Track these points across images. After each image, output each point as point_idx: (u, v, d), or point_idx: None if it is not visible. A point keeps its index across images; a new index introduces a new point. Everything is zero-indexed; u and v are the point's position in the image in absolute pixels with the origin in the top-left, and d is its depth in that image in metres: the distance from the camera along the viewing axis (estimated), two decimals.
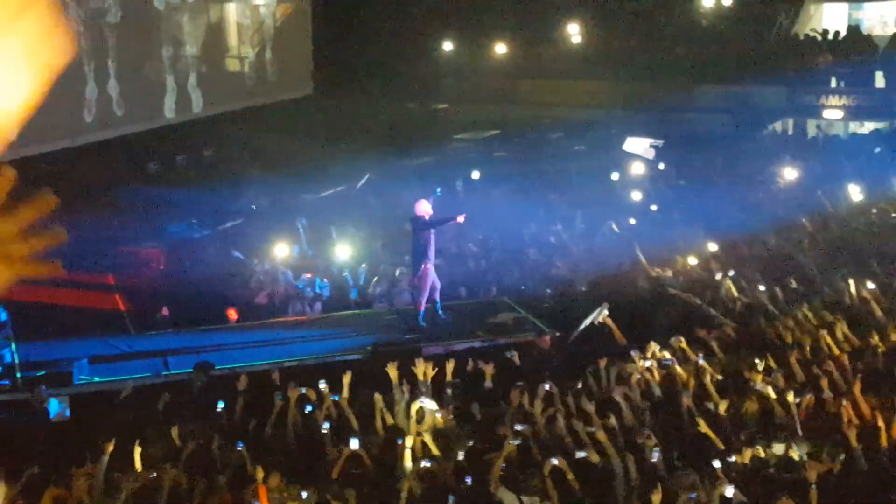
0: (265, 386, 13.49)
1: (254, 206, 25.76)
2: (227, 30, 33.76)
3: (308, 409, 12.52)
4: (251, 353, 16.18)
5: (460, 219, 17.07)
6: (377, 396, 12.46)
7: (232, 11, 33.43)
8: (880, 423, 11.15)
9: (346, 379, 12.98)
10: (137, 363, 15.68)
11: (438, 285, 17.38)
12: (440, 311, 17.48)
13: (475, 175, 27.43)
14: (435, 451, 11.15)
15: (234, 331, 17.55)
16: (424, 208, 16.98)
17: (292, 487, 10.39)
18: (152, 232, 23.30)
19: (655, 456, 10.44)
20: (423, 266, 17.01)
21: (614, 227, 21.57)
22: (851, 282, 16.27)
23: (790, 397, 11.86)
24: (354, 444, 11.17)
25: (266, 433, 12.20)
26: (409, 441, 11.09)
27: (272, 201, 25.84)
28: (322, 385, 12.86)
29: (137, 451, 11.03)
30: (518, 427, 11.21)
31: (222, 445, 11.46)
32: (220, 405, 12.80)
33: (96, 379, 15.13)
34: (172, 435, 11.81)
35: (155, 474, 10.61)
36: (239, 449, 11.33)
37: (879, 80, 35.50)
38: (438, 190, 18.07)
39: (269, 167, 28.46)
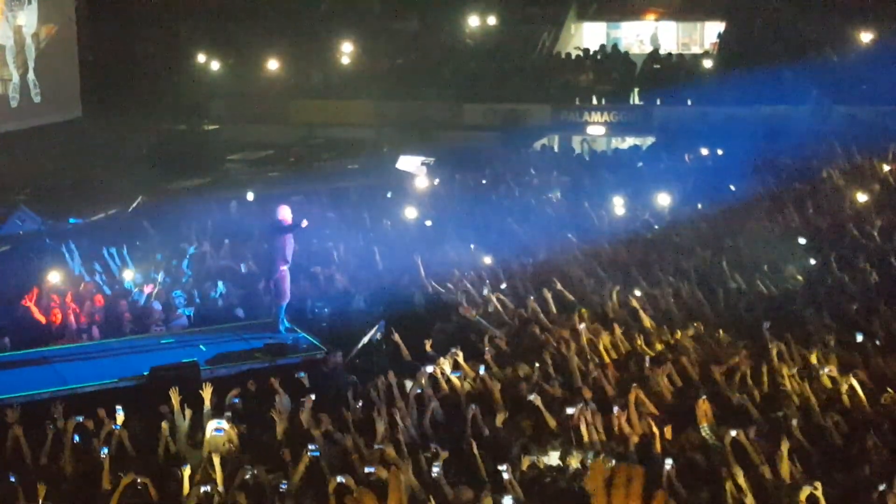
0: (38, 416, 13.17)
1: (21, 232, 24.98)
2: None
3: (78, 438, 12.30)
4: (22, 381, 15.72)
5: (304, 223, 17.58)
6: (164, 424, 12.37)
7: None
8: (654, 429, 11.68)
9: (120, 416, 12.79)
10: None
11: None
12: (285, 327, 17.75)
13: (250, 196, 27.33)
14: (217, 476, 11.12)
15: (5, 357, 17.03)
16: (285, 214, 17.43)
17: None
18: None
19: (436, 470, 10.65)
20: (281, 269, 17.33)
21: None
22: (615, 292, 16.99)
23: (559, 406, 12.34)
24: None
25: (40, 464, 11.93)
26: (187, 469, 11.01)
27: (40, 226, 25.11)
28: (100, 412, 12.68)
29: None
30: (311, 447, 11.27)
31: None
32: None
33: None
34: None
35: None
36: (11, 482, 11.07)
37: (637, 97, 37.15)
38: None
39: (38, 192, 27.68)
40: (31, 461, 12.02)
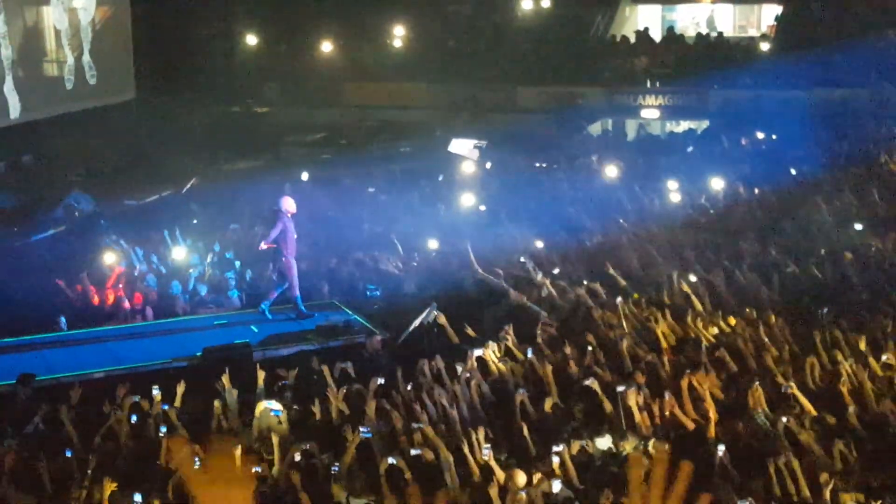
0: (95, 395, 13.32)
1: (76, 213, 25.22)
2: (44, 33, 32.94)
3: (136, 417, 12.42)
4: (80, 361, 15.91)
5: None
6: (216, 404, 12.46)
7: (48, 15, 32.61)
8: (708, 415, 11.57)
9: (180, 389, 13.01)
10: None
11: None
12: (268, 312, 17.72)
13: (304, 176, 27.43)
14: (275, 456, 11.16)
15: (62, 339, 17.22)
16: (290, 205, 17.48)
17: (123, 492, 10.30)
18: None
19: (486, 453, 10.64)
20: (284, 258, 17.43)
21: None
22: (673, 276, 16.83)
23: (612, 391, 12.26)
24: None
25: (96, 442, 12.04)
26: (238, 449, 11.03)
27: (95, 208, 25.34)
28: (155, 392, 12.80)
29: None
30: (362, 429, 11.28)
31: (51, 457, 11.28)
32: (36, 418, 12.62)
33: None
34: None
35: None
36: (68, 457, 11.19)
37: (692, 81, 36.78)
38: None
39: (92, 173, 27.91)
40: (87, 439, 12.12)
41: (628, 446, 11.19)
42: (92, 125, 31.93)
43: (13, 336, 17.15)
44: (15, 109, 30.01)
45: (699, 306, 15.65)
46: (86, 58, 33.03)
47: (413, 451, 10.77)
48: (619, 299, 15.73)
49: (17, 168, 29.99)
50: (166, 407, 12.59)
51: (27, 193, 26.07)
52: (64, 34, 32.52)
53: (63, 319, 17.74)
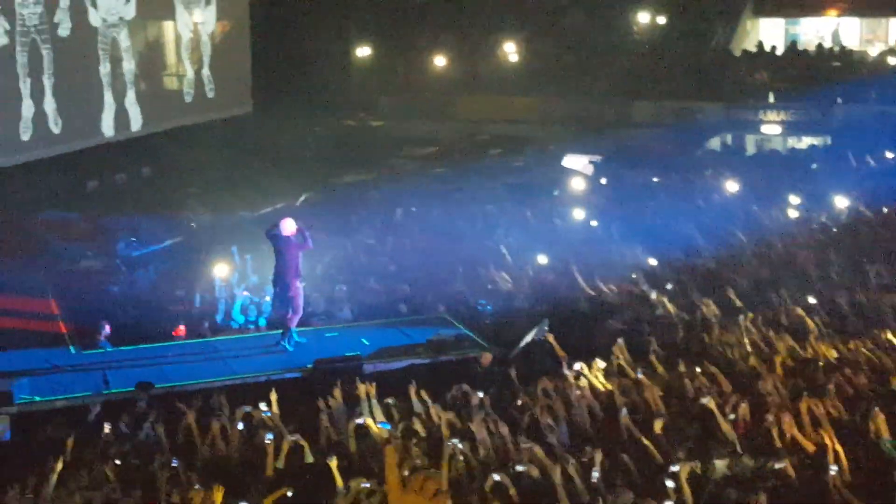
0: (206, 404, 13.44)
1: (193, 224, 25.57)
2: (165, 47, 33.55)
3: (242, 426, 12.45)
4: (192, 371, 16.08)
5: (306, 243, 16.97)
6: (323, 416, 12.44)
7: (170, 29, 33.22)
8: (828, 440, 11.16)
9: (273, 397, 13.06)
10: (77, 381, 15.52)
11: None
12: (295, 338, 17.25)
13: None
14: (390, 470, 11.03)
15: (177, 348, 17.42)
16: (290, 227, 16.83)
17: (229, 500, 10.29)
18: (93, 250, 23.11)
19: (595, 473, 10.41)
20: (295, 284, 16.82)
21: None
22: (789, 297, 16.41)
23: (727, 411, 11.92)
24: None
25: (204, 450, 12.10)
26: (334, 461, 10.96)
27: (211, 219, 25.68)
28: (264, 406, 12.85)
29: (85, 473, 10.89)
30: (458, 443, 11.15)
31: (162, 464, 11.36)
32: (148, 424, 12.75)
33: (37, 399, 14.98)
34: (111, 455, 11.71)
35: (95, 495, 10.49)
36: (174, 466, 11.24)
37: (816, 96, 35.95)
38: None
39: (209, 185, 28.29)
40: (198, 446, 12.19)
41: (742, 470, 10.85)
42: (209, 138, 32.41)
43: (132, 345, 17.41)
44: (136, 122, 30.59)
45: (813, 327, 15.20)
46: (205, 71, 33.57)
47: (518, 468, 10.58)
48: (740, 317, 15.36)
49: (137, 180, 30.54)
50: (268, 414, 12.60)
51: (146, 205, 26.50)
52: (184, 48, 33.08)
53: (182, 327, 17.96)
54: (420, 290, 19.50)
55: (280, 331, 17.22)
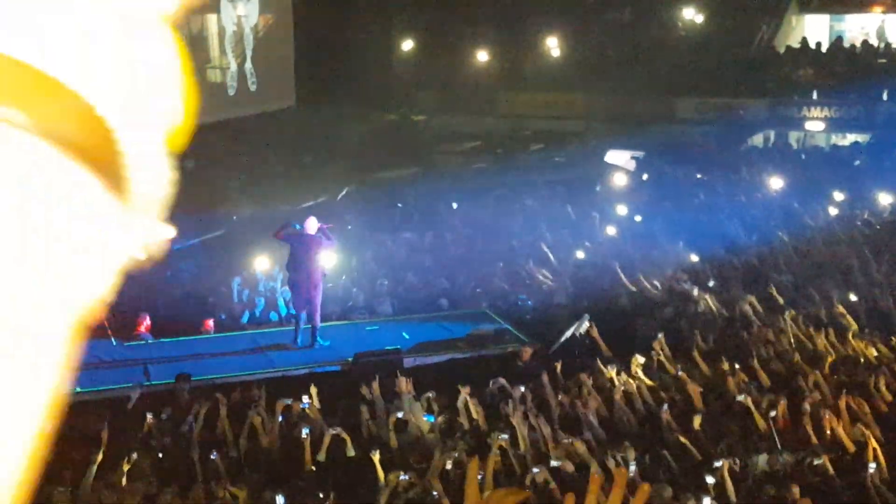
0: (245, 396, 13.48)
1: (234, 217, 25.67)
2: (208, 40, 33.70)
3: (282, 419, 12.49)
4: (232, 364, 16.14)
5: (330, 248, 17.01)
6: (363, 408, 12.46)
7: (213, 22, 33.36)
8: (867, 436, 11.09)
9: (314, 390, 13.06)
10: (117, 373, 15.60)
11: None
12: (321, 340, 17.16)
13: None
14: (419, 462, 11.09)
15: (215, 341, 17.49)
16: (312, 226, 16.79)
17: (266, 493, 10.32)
18: None
19: (633, 468, 10.38)
20: (319, 283, 16.72)
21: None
22: (833, 294, 16.30)
23: (767, 407, 11.86)
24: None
25: (243, 443, 12.14)
26: (377, 454, 10.98)
27: (253, 212, 25.75)
28: (305, 399, 12.87)
29: (125, 465, 10.93)
30: (502, 436, 11.15)
31: (201, 456, 11.42)
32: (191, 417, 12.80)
33: (78, 390, 15.03)
34: (152, 446, 11.78)
35: (134, 487, 10.54)
36: (213, 459, 11.29)
37: (859, 92, 35.63)
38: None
39: (251, 178, 28.39)
40: (237, 438, 12.23)
41: (780, 466, 10.81)
42: (252, 131, 32.52)
43: (172, 337, 17.51)
44: None
45: (854, 326, 15.09)
46: (248, 65, 33.71)
47: (553, 463, 10.56)
48: (786, 313, 15.26)
49: (179, 172, 30.65)
50: (307, 406, 12.64)
51: (188, 198, 26.63)
52: (228, 41, 33.22)
53: (223, 317, 18.01)
54: (460, 285, 19.49)
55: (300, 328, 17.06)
